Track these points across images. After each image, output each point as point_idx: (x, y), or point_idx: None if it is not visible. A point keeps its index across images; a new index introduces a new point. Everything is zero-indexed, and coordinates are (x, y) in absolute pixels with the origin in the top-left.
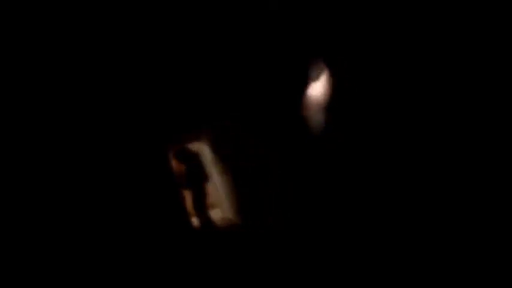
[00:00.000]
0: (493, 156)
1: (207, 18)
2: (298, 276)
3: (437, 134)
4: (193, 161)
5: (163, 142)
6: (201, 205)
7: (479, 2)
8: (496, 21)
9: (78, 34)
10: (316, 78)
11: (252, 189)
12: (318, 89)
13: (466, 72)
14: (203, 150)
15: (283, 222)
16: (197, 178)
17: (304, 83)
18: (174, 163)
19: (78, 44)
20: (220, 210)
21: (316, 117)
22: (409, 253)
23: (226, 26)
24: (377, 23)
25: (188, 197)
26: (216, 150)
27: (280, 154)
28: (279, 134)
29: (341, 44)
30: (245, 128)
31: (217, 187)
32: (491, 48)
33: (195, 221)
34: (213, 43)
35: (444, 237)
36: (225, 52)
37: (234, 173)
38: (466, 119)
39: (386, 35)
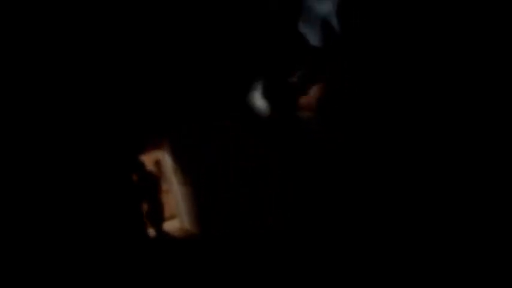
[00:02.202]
0: (493, 156)
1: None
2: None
3: (435, 134)
4: (147, 171)
5: (122, 151)
6: (156, 216)
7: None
8: (493, 21)
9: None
10: (315, 78)
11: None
12: (317, 88)
13: (464, 72)
14: (164, 159)
15: (282, 223)
16: (152, 188)
17: (303, 83)
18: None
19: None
20: (179, 221)
21: (315, 117)
22: (408, 253)
23: (222, 26)
24: (375, 22)
25: (145, 207)
26: (177, 159)
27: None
28: (273, 136)
29: (340, 44)
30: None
31: (176, 197)
32: (487, 49)
33: (150, 231)
34: (206, 44)
35: (443, 238)
36: (218, 52)
37: (195, 183)
38: (465, 119)
39: (385, 35)
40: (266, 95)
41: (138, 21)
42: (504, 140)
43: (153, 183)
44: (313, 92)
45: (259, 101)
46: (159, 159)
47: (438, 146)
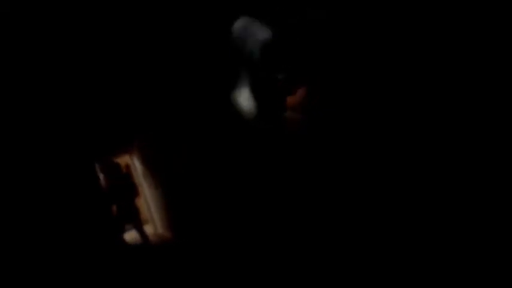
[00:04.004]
0: (493, 156)
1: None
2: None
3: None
4: (120, 174)
5: (91, 154)
6: (131, 220)
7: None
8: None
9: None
10: (302, 78)
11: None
12: (304, 89)
13: (454, 79)
14: (133, 163)
15: (259, 226)
16: (125, 192)
17: (290, 83)
18: (101, 176)
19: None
20: (152, 226)
21: (302, 117)
22: (408, 254)
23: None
24: (362, 30)
25: (116, 211)
26: (147, 163)
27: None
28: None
29: (326, 50)
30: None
31: (148, 202)
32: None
33: (122, 236)
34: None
35: (443, 238)
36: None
37: (166, 186)
38: (455, 126)
39: (370, 43)
40: (253, 95)
41: (113, 28)
42: (504, 140)
43: (129, 185)
44: (300, 92)
45: (245, 101)
46: (129, 164)
47: (425, 146)
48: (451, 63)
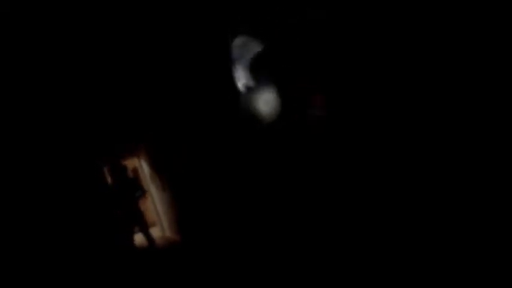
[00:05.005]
0: (493, 156)
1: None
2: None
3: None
4: (126, 177)
5: (98, 156)
6: (135, 223)
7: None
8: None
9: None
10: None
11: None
12: (327, 88)
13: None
14: (141, 165)
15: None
16: (130, 194)
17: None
18: (109, 178)
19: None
20: (159, 229)
21: (326, 115)
22: (408, 254)
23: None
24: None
25: (121, 213)
26: (154, 166)
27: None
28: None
29: (336, 61)
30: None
31: (155, 205)
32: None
33: (131, 238)
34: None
35: (443, 238)
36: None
37: (174, 189)
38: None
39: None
40: (276, 97)
41: (116, 31)
42: (504, 140)
43: (135, 188)
44: (324, 91)
45: (264, 105)
46: (136, 167)
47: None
48: (453, 60)
